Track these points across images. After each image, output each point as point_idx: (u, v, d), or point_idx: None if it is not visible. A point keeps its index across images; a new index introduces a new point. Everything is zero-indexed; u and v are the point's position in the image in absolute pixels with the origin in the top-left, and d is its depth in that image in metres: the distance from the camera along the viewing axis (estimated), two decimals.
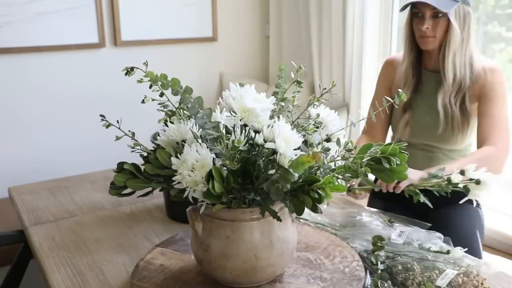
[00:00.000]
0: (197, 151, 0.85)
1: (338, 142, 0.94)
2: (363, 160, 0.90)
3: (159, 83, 0.91)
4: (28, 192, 1.59)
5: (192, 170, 0.84)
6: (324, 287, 1.00)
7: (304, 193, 0.83)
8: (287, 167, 0.82)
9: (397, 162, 0.90)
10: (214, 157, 0.86)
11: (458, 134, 1.52)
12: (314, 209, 0.83)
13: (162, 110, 0.97)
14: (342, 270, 1.06)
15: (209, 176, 0.82)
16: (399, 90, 0.96)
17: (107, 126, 0.96)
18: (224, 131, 0.90)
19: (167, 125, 0.94)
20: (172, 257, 1.11)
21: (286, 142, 0.83)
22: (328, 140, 0.95)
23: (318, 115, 0.96)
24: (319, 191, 0.82)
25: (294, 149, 0.85)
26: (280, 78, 1.02)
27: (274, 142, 0.84)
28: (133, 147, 0.97)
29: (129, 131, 0.98)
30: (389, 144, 0.91)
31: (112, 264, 1.15)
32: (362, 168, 0.89)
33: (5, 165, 2.54)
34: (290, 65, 1.03)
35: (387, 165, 0.89)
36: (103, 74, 2.71)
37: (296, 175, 0.82)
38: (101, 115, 0.95)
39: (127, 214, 1.42)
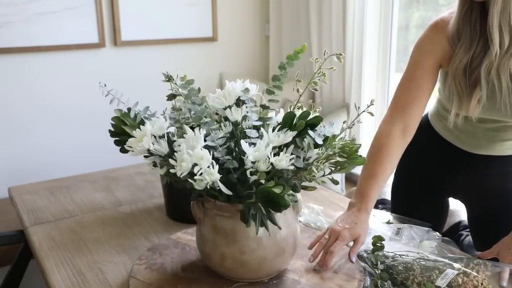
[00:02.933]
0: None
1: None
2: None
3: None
4: (28, 192, 1.59)
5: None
6: (326, 279, 1.02)
7: None
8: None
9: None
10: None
11: None
12: None
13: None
14: (342, 267, 1.07)
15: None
16: None
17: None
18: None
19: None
20: (170, 258, 1.12)
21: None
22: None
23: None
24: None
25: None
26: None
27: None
28: None
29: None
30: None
31: (112, 264, 1.15)
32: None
33: (5, 165, 2.54)
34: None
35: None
36: (103, 74, 2.71)
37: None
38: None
39: (127, 214, 1.42)
